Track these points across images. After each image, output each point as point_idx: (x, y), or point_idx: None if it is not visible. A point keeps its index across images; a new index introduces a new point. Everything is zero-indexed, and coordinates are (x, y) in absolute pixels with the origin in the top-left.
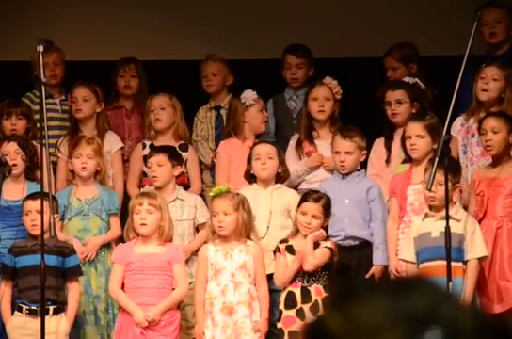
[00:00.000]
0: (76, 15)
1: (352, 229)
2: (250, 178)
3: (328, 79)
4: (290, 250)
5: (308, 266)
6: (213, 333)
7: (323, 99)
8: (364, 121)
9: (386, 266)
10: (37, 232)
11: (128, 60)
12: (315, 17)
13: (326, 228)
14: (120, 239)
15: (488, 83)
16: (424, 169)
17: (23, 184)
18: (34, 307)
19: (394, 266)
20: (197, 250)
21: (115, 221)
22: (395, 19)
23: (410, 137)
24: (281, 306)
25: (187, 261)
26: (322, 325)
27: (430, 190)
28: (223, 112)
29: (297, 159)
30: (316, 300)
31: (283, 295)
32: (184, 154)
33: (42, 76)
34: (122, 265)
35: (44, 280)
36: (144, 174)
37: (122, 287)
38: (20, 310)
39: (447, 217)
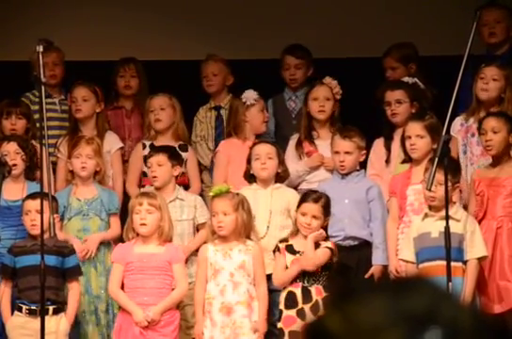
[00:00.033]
0: (76, 15)
1: (352, 229)
2: (250, 178)
3: (328, 79)
4: (290, 249)
5: (309, 267)
6: (211, 333)
7: (323, 99)
8: (364, 121)
9: (385, 266)
10: (36, 231)
11: (128, 60)
12: (315, 17)
13: (325, 228)
14: (120, 239)
15: (488, 83)
16: (424, 169)
17: (22, 184)
18: (34, 307)
19: (394, 267)
20: (196, 250)
21: (115, 221)
22: (395, 19)
23: (410, 137)
24: (281, 306)
25: (187, 261)
26: (321, 325)
27: (430, 190)
28: (223, 112)
29: (297, 159)
30: (317, 300)
31: (283, 295)
32: (183, 155)
33: (42, 76)
34: (122, 264)
35: (44, 280)
36: (144, 174)
37: (122, 287)
38: (20, 310)
39: (447, 217)
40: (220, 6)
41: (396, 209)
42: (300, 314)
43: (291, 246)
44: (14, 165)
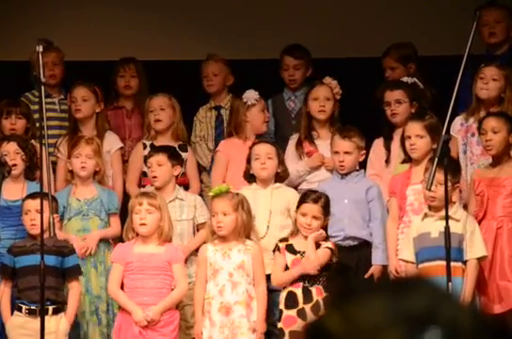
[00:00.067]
0: (76, 15)
1: (351, 229)
2: (250, 178)
3: (328, 79)
4: (290, 249)
5: (312, 270)
6: (210, 333)
7: (323, 99)
8: (363, 121)
9: (385, 267)
10: (36, 231)
11: (128, 60)
12: (315, 17)
13: (325, 228)
14: (120, 239)
15: (488, 83)
16: (424, 169)
17: (22, 183)
18: (33, 307)
19: (394, 267)
20: (196, 250)
21: (115, 221)
22: (395, 19)
23: (410, 137)
24: (282, 306)
25: (186, 261)
26: (321, 325)
27: (430, 190)
28: (223, 112)
29: (298, 159)
30: (318, 301)
31: (283, 295)
32: (183, 155)
33: (42, 76)
34: (122, 264)
35: (44, 280)
36: (145, 174)
37: (122, 287)
38: (19, 310)
39: (447, 217)
40: (220, 6)
41: (396, 209)
42: (301, 314)
43: (291, 245)
44: (14, 165)
